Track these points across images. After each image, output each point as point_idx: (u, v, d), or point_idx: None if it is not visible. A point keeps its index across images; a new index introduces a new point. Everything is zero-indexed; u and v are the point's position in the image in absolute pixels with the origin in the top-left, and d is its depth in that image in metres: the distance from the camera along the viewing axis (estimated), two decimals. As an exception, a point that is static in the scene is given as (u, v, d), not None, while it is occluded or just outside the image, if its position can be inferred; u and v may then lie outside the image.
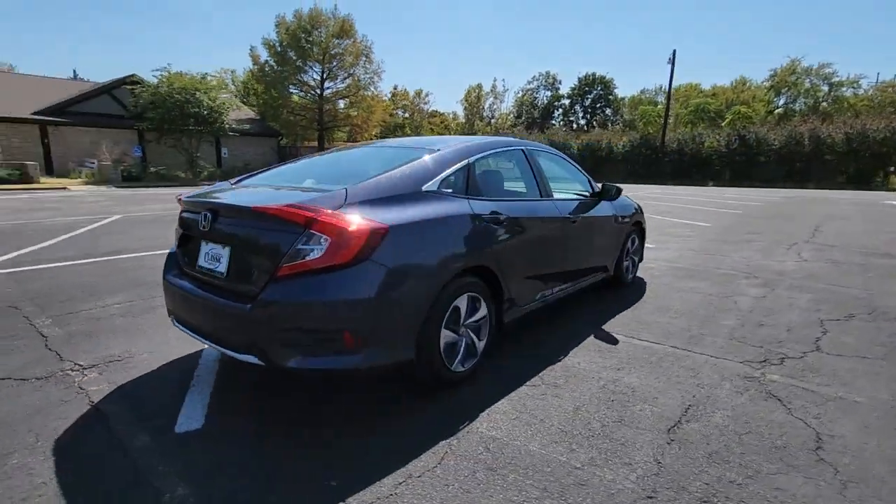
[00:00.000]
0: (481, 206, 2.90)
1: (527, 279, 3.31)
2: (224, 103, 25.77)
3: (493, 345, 3.33)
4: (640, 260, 5.37)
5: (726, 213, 12.38)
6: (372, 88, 35.43)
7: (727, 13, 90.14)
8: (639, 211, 5.10)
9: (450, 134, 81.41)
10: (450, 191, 2.80)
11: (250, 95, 34.40)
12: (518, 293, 3.22)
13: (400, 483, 1.97)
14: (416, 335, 2.45)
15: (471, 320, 2.83)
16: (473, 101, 79.44)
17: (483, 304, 2.88)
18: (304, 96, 33.26)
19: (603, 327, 3.80)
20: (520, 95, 73.72)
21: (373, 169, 2.76)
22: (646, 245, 7.11)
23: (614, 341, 3.52)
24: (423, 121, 78.52)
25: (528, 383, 2.86)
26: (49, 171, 23.69)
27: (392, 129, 74.39)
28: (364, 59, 33.80)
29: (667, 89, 32.50)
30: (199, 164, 26.29)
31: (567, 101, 67.53)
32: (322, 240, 2.18)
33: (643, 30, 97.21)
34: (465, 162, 2.98)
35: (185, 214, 2.81)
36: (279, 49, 31.80)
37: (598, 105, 65.69)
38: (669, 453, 2.18)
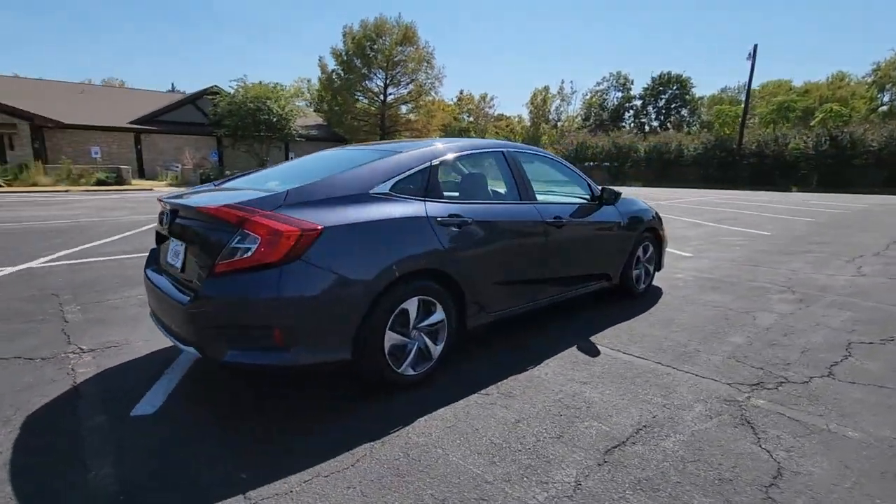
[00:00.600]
0: (439, 209, 2.86)
1: (499, 284, 3.22)
2: (292, 110, 27.27)
3: (462, 349, 3.30)
4: (658, 269, 5.03)
5: (797, 221, 11.29)
6: (433, 93, 35.99)
7: (821, 3, 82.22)
8: (655, 218, 4.78)
9: (514, 137, 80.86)
10: (404, 194, 2.79)
11: (322, 103, 36.10)
12: (487, 298, 3.14)
13: (305, 481, 1.99)
14: (353, 336, 2.47)
15: (424, 324, 2.79)
16: (539, 104, 78.30)
17: (439, 309, 2.84)
18: (368, 102, 34.43)
19: (591, 338, 3.61)
20: (588, 97, 71.63)
21: (331, 171, 2.82)
22: (682, 254, 6.68)
23: (595, 353, 3.33)
24: (488, 124, 78.60)
25: (482, 391, 2.78)
26: (141, 173, 26.29)
27: (456, 133, 75.17)
28: (426, 64, 34.42)
29: (749, 87, 30.14)
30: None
31: (639, 102, 64.69)
32: (253, 239, 2.25)
33: (726, 24, 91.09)
34: (425, 165, 2.96)
35: (161, 214, 3.02)
36: (345, 58, 33.18)
37: (672, 105, 62.33)
38: (595, 476, 2.03)
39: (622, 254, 4.36)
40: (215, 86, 27.84)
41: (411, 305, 2.69)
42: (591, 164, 38.26)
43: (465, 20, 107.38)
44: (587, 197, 4.14)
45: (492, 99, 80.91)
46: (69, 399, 2.66)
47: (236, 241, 2.28)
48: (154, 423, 2.44)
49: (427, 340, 2.83)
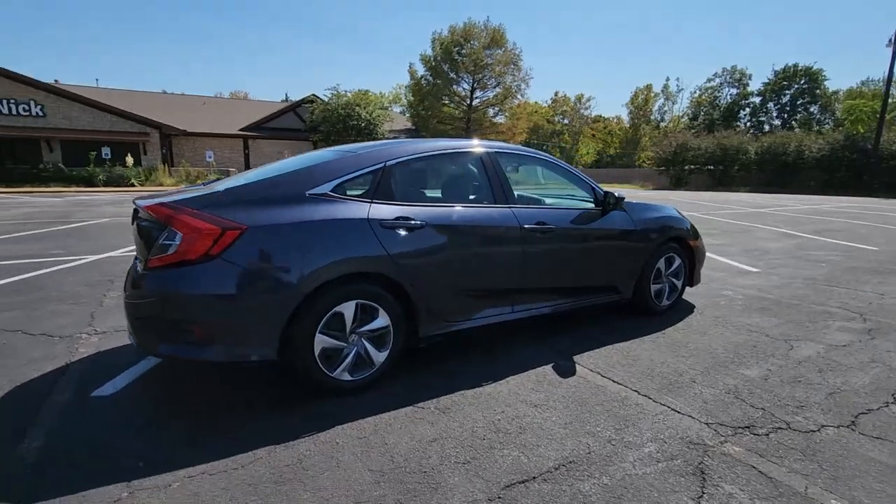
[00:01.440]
0: (386, 211, 2.77)
1: (461, 292, 3.05)
2: (378, 116, 28.49)
3: (422, 359, 3.17)
4: (691, 284, 4.45)
5: (924, 236, 9.42)
6: (519, 96, 35.52)
7: None
8: (684, 228, 4.24)
9: (611, 140, 77.03)
10: (348, 195, 2.74)
11: (411, 108, 37.34)
12: (445, 307, 2.98)
13: (190, 476, 2.01)
14: (279, 336, 2.46)
15: (364, 329, 2.72)
16: (640, 103, 73.95)
17: (382, 314, 2.74)
18: (454, 106, 34.89)
19: (578, 356, 3.28)
20: (696, 95, 66.16)
21: (282, 171, 2.85)
22: (747, 268, 5.94)
23: (569, 374, 3.01)
24: (584, 126, 75.79)
25: (419, 404, 2.63)
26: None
27: (549, 136, 73.43)
28: (512, 66, 34.08)
29: (890, 77, 25.70)
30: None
31: (757, 99, 58.40)
32: (177, 236, 2.34)
33: (866, 6, 79.04)
34: (377, 166, 2.87)
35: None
36: (434, 63, 33.94)
37: (799, 102, 55.43)
38: (477, 511, 1.82)
39: (634, 265, 3.91)
40: (313, 94, 29.96)
41: (347, 309, 2.63)
42: (690, 167, 35.23)
43: (564, 17, 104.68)
44: (589, 202, 3.77)
45: (588, 100, 77.93)
46: (55, 376, 2.96)
47: (164, 237, 2.38)
48: (103, 404, 2.63)
49: (368, 346, 2.74)
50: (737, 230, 10.04)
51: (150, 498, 1.88)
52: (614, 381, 2.91)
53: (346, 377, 2.68)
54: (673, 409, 2.58)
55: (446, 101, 34.62)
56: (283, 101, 45.29)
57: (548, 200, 4.00)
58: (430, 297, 2.90)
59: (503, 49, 33.84)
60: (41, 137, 22.55)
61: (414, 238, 2.82)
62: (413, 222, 2.82)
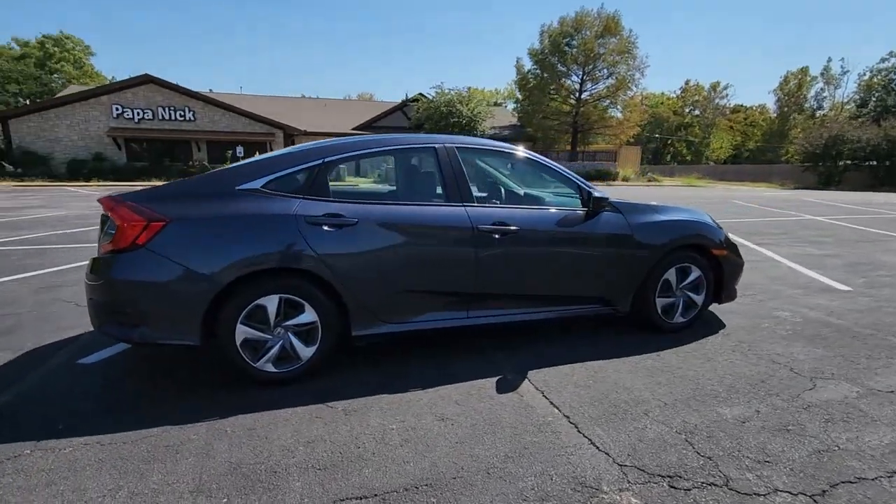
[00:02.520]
0: (315, 208, 2.77)
1: (402, 293, 2.94)
2: (480, 112, 28.56)
3: (372, 357, 3.14)
4: (719, 300, 3.79)
5: None
6: (633, 87, 33.06)
7: None
8: (706, 235, 3.62)
9: (754, 131, 68.18)
10: (279, 191, 2.79)
11: (517, 103, 36.85)
12: (383, 307, 2.91)
13: (80, 444, 2.20)
14: (200, 324, 2.61)
15: (290, 323, 2.76)
16: (792, 89, 64.53)
17: (309, 310, 2.76)
18: (561, 100, 33.59)
19: (532, 371, 2.99)
20: (866, 78, 55.91)
21: (230, 167, 3.00)
22: (835, 285, 5.01)
23: (507, 390, 2.76)
24: (719, 118, 68.15)
25: (331, 403, 2.61)
26: (357, 172, 31.06)
27: (674, 129, 67.29)
28: (627, 55, 31.80)
29: None
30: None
31: (949, 81, 47.68)
32: (114, 227, 2.59)
33: None
34: (315, 163, 2.88)
35: None
36: (541, 56, 33.00)
37: None
38: (289, 520, 1.76)
39: (630, 275, 3.44)
40: (420, 94, 31.00)
41: (270, 303, 2.69)
42: (846, 163, 29.86)
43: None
44: (574, 204, 3.40)
45: (725, 88, 69.93)
46: (66, 343, 3.46)
47: (108, 227, 2.66)
48: (82, 370, 3.01)
49: (295, 341, 2.78)
50: (859, 239, 8.31)
51: (41, 458, 2.12)
52: (551, 404, 2.60)
53: (271, 368, 2.75)
54: (592, 443, 2.23)
55: (553, 95, 33.46)
56: (403, 100, 47.57)
57: (548, 200, 3.69)
58: (363, 295, 2.85)
59: (617, 37, 31.73)
60: (192, 139, 26.43)
61: (345, 236, 2.79)
62: (344, 219, 2.79)
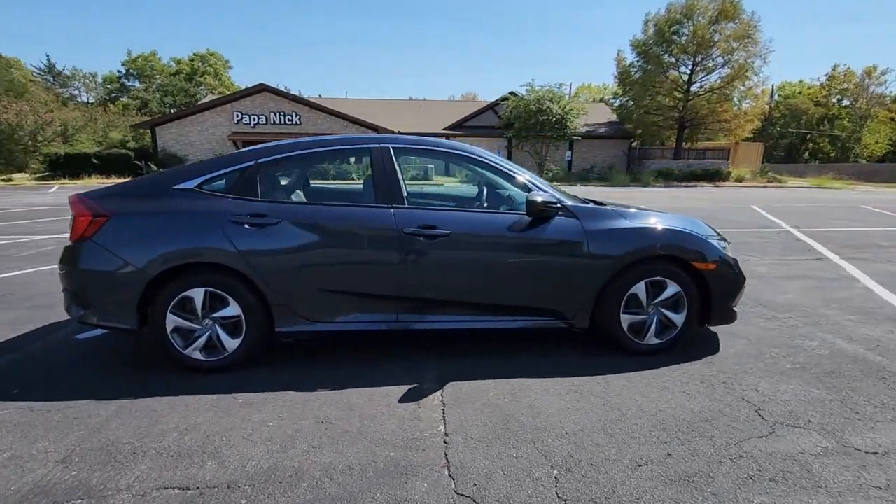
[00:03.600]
0: (241, 207, 2.89)
1: (326, 293, 2.97)
2: (571, 110, 27.44)
3: (307, 352, 3.25)
4: (707, 321, 3.27)
5: None
6: (754, 76, 29.37)
7: None
8: (683, 245, 3.14)
9: (920, 123, 57.03)
10: (211, 191, 2.95)
11: (616, 99, 34.84)
12: (304, 305, 2.97)
13: (16, 409, 2.56)
14: (136, 311, 2.87)
15: (216, 315, 2.92)
16: (979, 71, 52.96)
17: (234, 304, 2.90)
18: (665, 94, 30.95)
19: (451, 383, 2.84)
20: None
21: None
22: None
23: (412, 399, 2.66)
24: (875, 108, 58.07)
25: (235, 394, 2.72)
26: (447, 172, 31.60)
27: (815, 123, 58.83)
28: (747, 40, 28.36)
29: None
30: (547, 168, 29.11)
31: None
32: (73, 220, 2.95)
33: None
34: (247, 164, 3.00)
35: None
36: (645, 48, 30.70)
37: None
38: None
39: (585, 287, 3.10)
40: (511, 92, 30.61)
41: (197, 295, 2.88)
42: None
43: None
44: (518, 208, 3.14)
45: (883, 73, 59.36)
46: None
47: (71, 220, 3.02)
48: (73, 344, 3.47)
49: (221, 332, 2.94)
50: None
51: (-20, 415, 2.49)
52: (443, 419, 2.45)
53: (198, 356, 2.94)
54: (447, 466, 2.07)
55: (657, 89, 30.94)
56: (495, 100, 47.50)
57: (498, 202, 3.48)
58: (284, 293, 2.93)
59: (736, 21, 28.41)
60: (297, 141, 28.85)
61: (266, 235, 2.89)
62: (266, 219, 2.89)
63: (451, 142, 3.34)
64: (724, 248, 3.33)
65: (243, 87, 33.56)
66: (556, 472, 2.04)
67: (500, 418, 2.46)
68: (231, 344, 2.95)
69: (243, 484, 1.96)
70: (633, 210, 3.32)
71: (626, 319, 3.17)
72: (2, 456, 2.14)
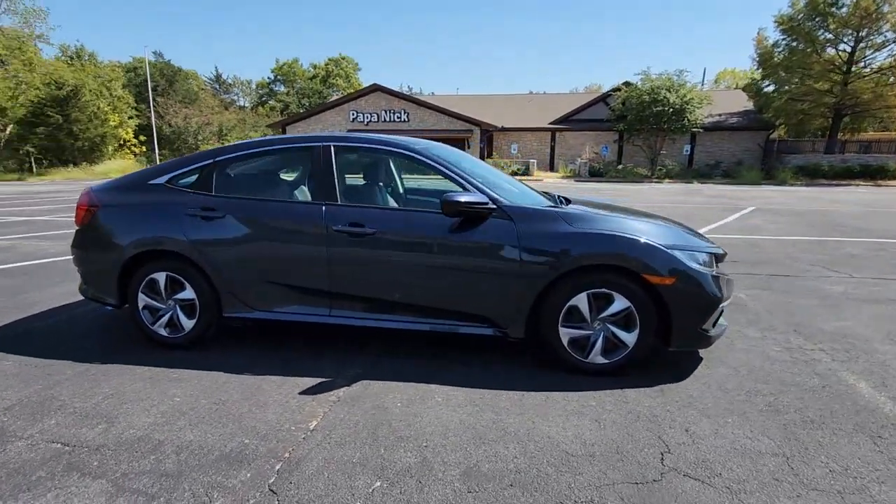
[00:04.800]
0: (196, 201, 3.19)
1: (264, 284, 3.15)
2: (693, 99, 24.82)
3: (256, 338, 3.52)
4: (667, 343, 2.82)
5: None
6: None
7: None
8: (631, 255, 2.73)
9: None
10: (178, 186, 3.29)
11: (754, 85, 30.64)
12: (245, 293, 3.18)
13: (17, 362, 3.16)
14: (117, 289, 3.34)
15: (177, 297, 3.27)
16: None
17: (189, 288, 3.23)
18: (817, 76, 26.30)
19: (362, 381, 2.85)
20: None
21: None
22: None
23: (311, 392, 2.72)
24: None
25: (172, 370, 2.98)
26: (551, 167, 30.72)
27: None
28: (934, 6, 22.95)
29: None
30: (661, 162, 26.78)
31: None
32: (75, 209, 3.50)
33: None
34: (206, 162, 3.29)
35: None
36: (793, 24, 26.43)
37: None
38: None
39: (519, 295, 2.86)
40: (626, 82, 28.63)
41: (161, 278, 3.25)
42: None
43: None
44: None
45: None
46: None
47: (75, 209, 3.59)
48: (96, 317, 4.13)
49: (179, 313, 3.29)
50: None
51: (-9, 364, 3.12)
52: (314, 416, 2.48)
53: (163, 332, 3.32)
54: (278, 464, 2.10)
55: (807, 71, 26.45)
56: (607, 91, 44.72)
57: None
58: (228, 281, 3.17)
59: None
60: (405, 137, 30.22)
61: (213, 226, 3.15)
62: (215, 213, 3.15)
63: (395, 139, 3.29)
64: (701, 261, 2.84)
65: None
66: (378, 483, 1.96)
67: (376, 422, 2.41)
68: (187, 324, 3.29)
69: (107, 448, 2.20)
70: (590, 212, 2.99)
71: (566, 333, 2.87)
72: (-26, 398, 2.67)
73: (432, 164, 3.12)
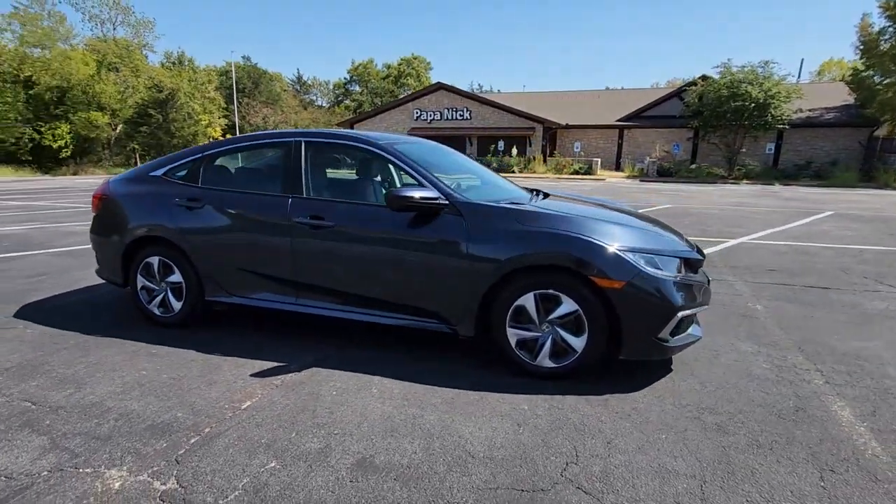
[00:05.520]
0: (184, 192, 3.45)
1: (238, 271, 3.35)
2: (779, 93, 22.68)
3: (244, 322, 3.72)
4: (616, 351, 2.64)
5: None
6: None
7: None
8: (571, 254, 2.60)
9: None
10: (173, 178, 3.57)
11: (855, 76, 27.38)
12: (224, 279, 3.40)
13: (23, 327, 3.60)
14: (121, 271, 3.70)
15: (168, 280, 3.55)
16: None
17: (177, 272, 3.50)
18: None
19: (313, 369, 2.95)
20: None
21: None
22: None
23: (261, 374, 2.87)
24: None
25: (152, 346, 3.25)
26: (617, 166, 29.42)
27: None
28: None
29: None
30: (740, 162, 24.79)
31: None
32: (91, 199, 3.91)
33: None
34: (197, 156, 3.54)
35: None
36: (907, 5, 23.23)
37: None
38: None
39: (465, 293, 2.82)
40: (703, 75, 26.73)
41: (154, 262, 3.56)
42: None
43: None
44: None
45: None
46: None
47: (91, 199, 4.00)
48: (125, 294, 4.58)
49: (170, 294, 3.58)
50: None
51: (9, 324, 3.57)
52: (242, 394, 2.61)
53: (156, 311, 3.63)
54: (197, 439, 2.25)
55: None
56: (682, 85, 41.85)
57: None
58: (207, 266, 3.41)
59: None
60: (466, 135, 30.31)
61: (195, 215, 3.40)
62: (196, 203, 3.40)
63: (364, 134, 3.34)
64: (660, 265, 2.65)
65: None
66: (273, 464, 2.04)
67: (302, 408, 2.50)
68: (176, 305, 3.57)
69: (63, 410, 2.46)
70: (547, 210, 2.88)
71: (513, 334, 2.79)
72: (-14, 358, 3.08)
73: (392, 159, 3.15)
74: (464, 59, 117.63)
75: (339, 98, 71.37)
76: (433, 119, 30.74)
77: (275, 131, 3.80)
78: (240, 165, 3.80)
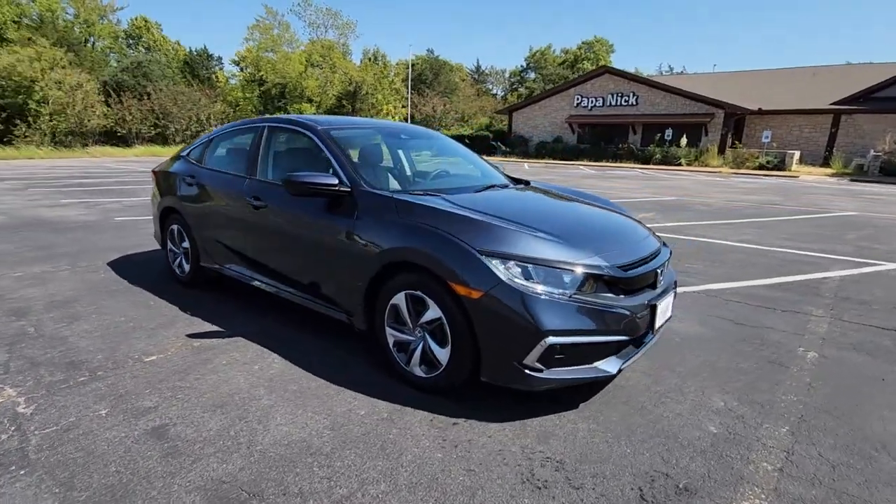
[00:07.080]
0: (189, 170, 4.00)
1: (217, 243, 3.74)
2: None
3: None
4: (476, 373, 2.23)
5: None
6: None
7: None
8: (428, 252, 2.29)
9: None
10: (191, 158, 4.13)
11: None
12: (211, 248, 3.83)
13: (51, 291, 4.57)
14: (161, 233, 4.45)
15: (182, 245, 4.16)
16: None
17: (187, 240, 4.08)
18: None
19: (255, 346, 3.18)
20: None
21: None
22: None
23: (201, 337, 3.20)
24: None
25: (154, 299, 3.90)
26: (826, 161, 23.79)
27: None
28: None
29: None
30: None
31: None
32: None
33: None
34: (206, 139, 4.03)
35: None
36: None
37: None
38: None
39: (351, 283, 2.70)
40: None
41: (175, 229, 4.21)
42: None
43: None
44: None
45: None
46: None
47: (153, 176, 4.83)
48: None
49: (183, 259, 4.19)
50: None
51: (71, 272, 4.58)
52: (169, 351, 2.93)
53: (177, 271, 4.28)
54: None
55: None
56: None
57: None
58: (200, 236, 3.89)
59: None
60: (631, 122, 27.75)
61: (191, 190, 3.91)
62: (192, 179, 3.90)
63: (305, 118, 3.34)
64: (536, 277, 2.16)
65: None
66: (104, 412, 2.29)
67: (184, 370, 2.71)
68: (186, 267, 4.16)
69: (43, 338, 3.12)
70: (445, 201, 2.59)
71: (391, 334, 2.59)
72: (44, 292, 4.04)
73: (319, 143, 3.12)
74: (650, 42, 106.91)
75: (514, 86, 71.68)
76: (594, 105, 28.85)
77: (257, 118, 4.11)
78: (230, 148, 4.21)
